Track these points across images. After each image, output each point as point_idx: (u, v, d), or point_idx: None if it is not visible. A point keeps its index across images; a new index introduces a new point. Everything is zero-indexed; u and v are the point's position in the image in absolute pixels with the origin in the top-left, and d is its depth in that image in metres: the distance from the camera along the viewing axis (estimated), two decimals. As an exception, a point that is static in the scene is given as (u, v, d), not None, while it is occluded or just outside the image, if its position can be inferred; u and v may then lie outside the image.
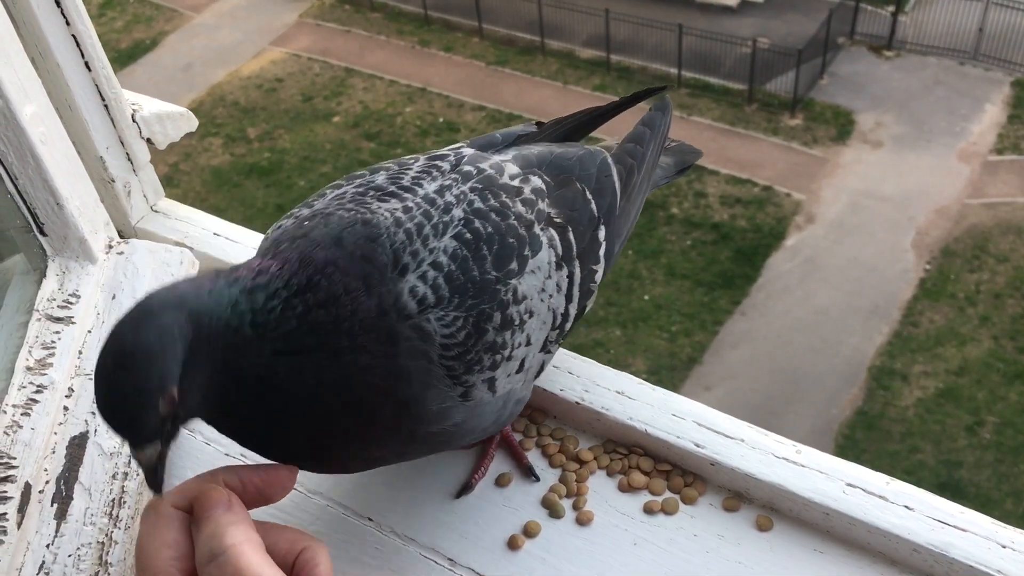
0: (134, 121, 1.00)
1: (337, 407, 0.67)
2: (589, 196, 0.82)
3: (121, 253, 0.99)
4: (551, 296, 0.76)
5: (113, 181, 1.01)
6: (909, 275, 9.27)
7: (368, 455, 0.73)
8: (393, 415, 0.69)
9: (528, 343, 0.75)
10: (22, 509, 0.80)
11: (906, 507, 0.76)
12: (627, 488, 0.82)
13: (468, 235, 0.71)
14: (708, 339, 8.85)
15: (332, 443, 0.70)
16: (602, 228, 0.82)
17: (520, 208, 0.75)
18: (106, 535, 0.82)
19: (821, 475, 0.78)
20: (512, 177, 0.78)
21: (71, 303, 0.93)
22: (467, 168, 0.77)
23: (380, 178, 0.76)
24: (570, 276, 0.78)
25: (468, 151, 0.81)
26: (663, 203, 10.26)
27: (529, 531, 0.80)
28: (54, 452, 0.85)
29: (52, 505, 0.83)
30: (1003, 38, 11.66)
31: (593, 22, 12.34)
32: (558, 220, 0.78)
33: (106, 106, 0.97)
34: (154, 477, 0.64)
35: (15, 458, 0.82)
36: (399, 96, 12.13)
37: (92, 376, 0.64)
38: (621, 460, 0.84)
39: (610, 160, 0.86)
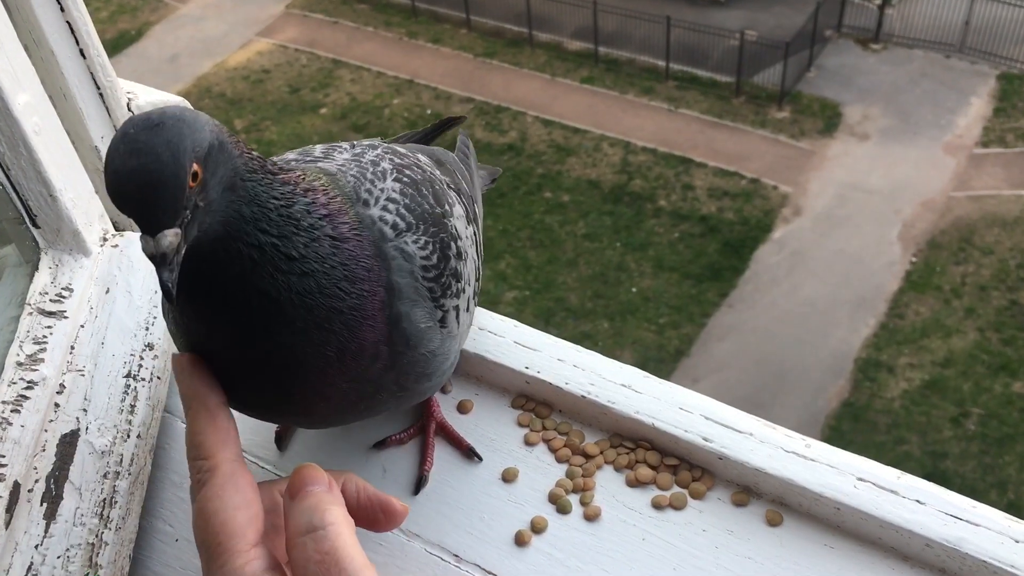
0: (129, 110, 0.98)
1: (332, 299, 0.64)
2: (459, 177, 0.88)
3: (116, 246, 0.97)
4: (471, 245, 0.81)
5: (106, 172, 0.98)
6: (895, 267, 9.31)
7: (348, 385, 0.68)
8: (386, 328, 0.67)
9: (469, 283, 0.78)
10: (10, 509, 0.78)
11: (918, 501, 0.75)
12: (634, 483, 0.81)
13: (405, 179, 0.75)
14: (696, 331, 8.87)
15: (317, 354, 0.65)
16: (475, 204, 0.89)
17: (427, 168, 0.80)
18: (96, 536, 0.80)
19: (831, 469, 0.77)
20: (404, 152, 0.81)
21: (64, 297, 0.91)
22: (366, 142, 0.81)
23: (290, 155, 0.78)
24: (475, 234, 0.84)
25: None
26: (651, 196, 10.27)
27: (536, 527, 0.78)
28: (44, 450, 0.83)
29: (41, 505, 0.80)
30: (989, 31, 11.71)
31: (581, 14, 12.32)
32: (451, 184, 0.83)
33: (101, 95, 0.95)
34: (170, 275, 0.56)
35: (4, 456, 0.80)
36: (387, 88, 12.09)
37: (111, 187, 0.56)
38: (628, 454, 0.82)
39: (455, 156, 0.94)
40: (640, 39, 12.18)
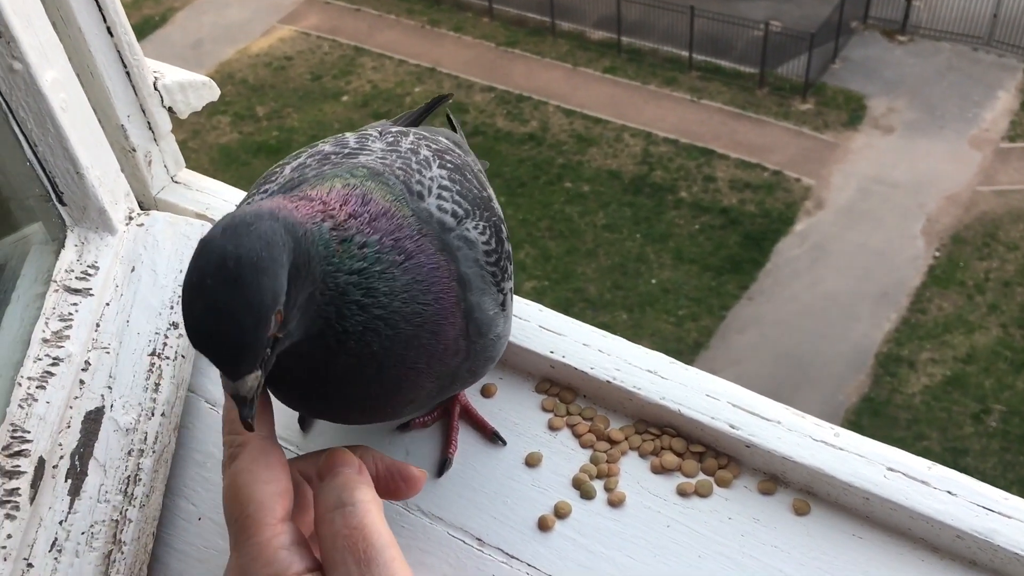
0: (156, 89, 0.98)
1: (415, 318, 0.64)
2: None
3: (141, 225, 0.97)
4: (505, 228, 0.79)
5: (134, 150, 0.98)
6: (918, 262, 9.23)
7: (432, 384, 0.69)
8: (463, 321, 0.67)
9: (511, 269, 0.77)
10: (35, 484, 0.78)
11: (949, 492, 0.74)
12: (660, 469, 0.80)
13: (449, 165, 0.73)
14: (715, 324, 8.83)
15: (409, 369, 0.66)
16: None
17: (460, 153, 0.79)
18: (120, 513, 0.80)
19: (860, 459, 0.76)
20: (434, 136, 0.80)
21: (89, 275, 0.91)
22: (394, 130, 0.79)
23: (326, 147, 0.75)
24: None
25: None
26: (672, 187, 10.22)
27: (560, 512, 0.78)
28: (69, 427, 0.83)
29: (66, 481, 0.81)
30: (1017, 24, 11.56)
31: (604, 3, 12.26)
32: (479, 169, 0.82)
33: (128, 73, 0.95)
34: (250, 411, 0.57)
35: (29, 432, 0.80)
36: (408, 76, 12.08)
37: (182, 299, 0.56)
38: (653, 441, 0.82)
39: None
40: (663, 29, 12.11)
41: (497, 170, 10.28)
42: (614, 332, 0.89)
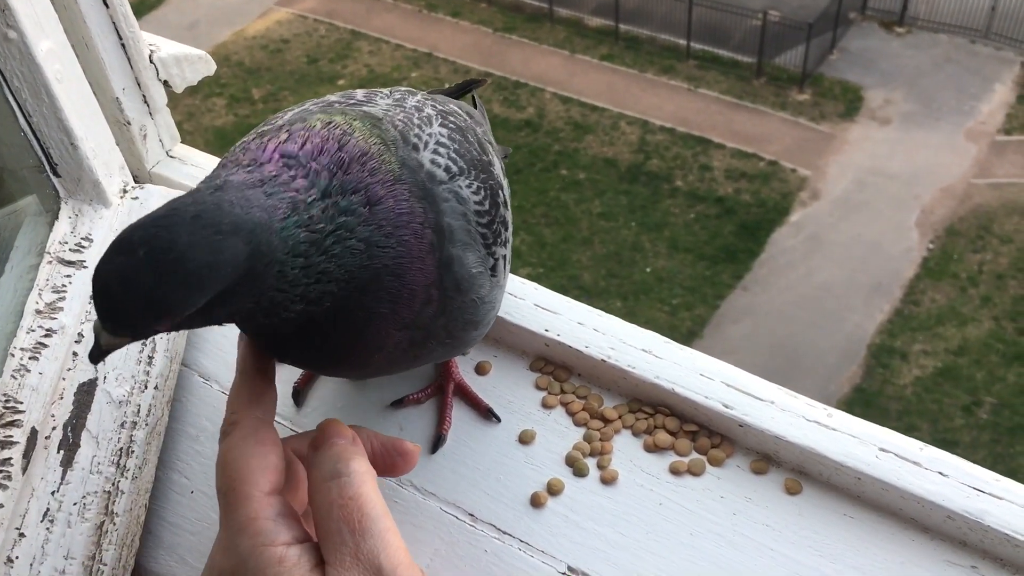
0: (151, 62, 0.97)
1: (385, 261, 0.63)
2: (489, 132, 0.86)
3: (136, 198, 0.96)
4: (507, 197, 0.78)
5: (129, 124, 0.98)
6: (912, 254, 9.25)
7: (401, 333, 0.67)
8: (436, 271, 0.66)
9: (508, 238, 0.76)
10: (27, 455, 0.78)
11: (940, 473, 0.74)
12: (653, 448, 0.80)
13: (451, 125, 0.73)
14: (709, 313, 8.84)
15: (371, 314, 0.64)
16: (502, 160, 0.87)
17: (467, 118, 0.78)
18: (113, 484, 0.80)
19: (853, 439, 0.76)
20: (444, 99, 0.80)
21: (83, 247, 0.91)
22: (404, 89, 0.78)
23: (332, 97, 0.74)
24: (505, 189, 0.80)
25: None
26: (668, 176, 10.22)
27: (552, 489, 0.78)
28: (62, 398, 0.83)
29: (58, 452, 0.81)
30: (1015, 17, 11.56)
31: (602, -10, 12.22)
32: (486, 138, 0.81)
33: (123, 45, 0.94)
34: (101, 355, 0.58)
35: (22, 402, 0.80)
36: (405, 60, 12.04)
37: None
38: (647, 420, 0.82)
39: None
40: (661, 17, 12.08)
41: (493, 156, 10.23)
42: (608, 320, 0.89)
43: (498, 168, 0.78)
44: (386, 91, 0.77)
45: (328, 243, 0.60)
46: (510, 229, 0.77)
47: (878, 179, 10.00)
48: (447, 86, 0.99)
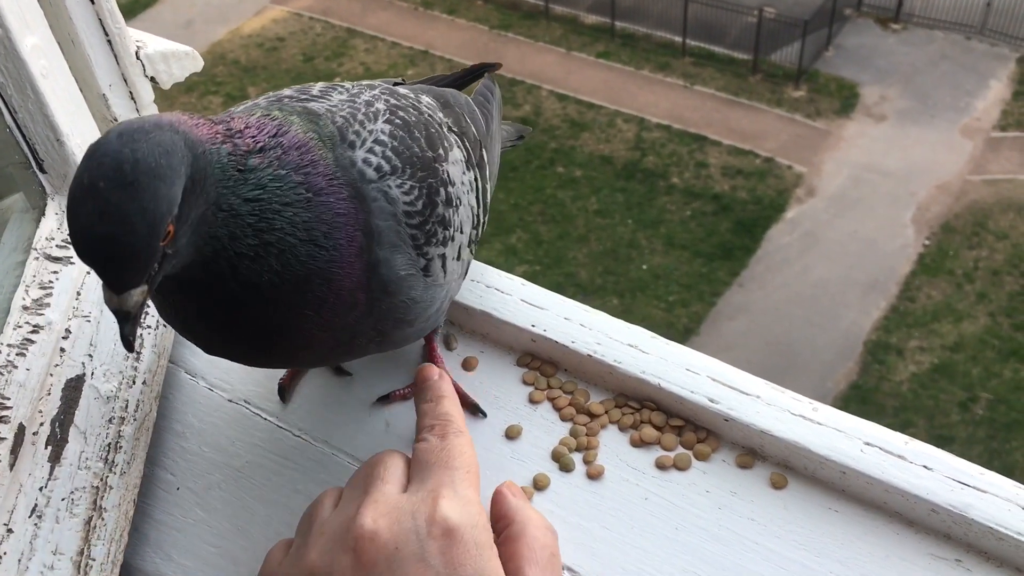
0: (138, 59, 0.97)
1: (309, 260, 0.63)
2: (467, 120, 0.85)
3: (122, 194, 0.96)
4: (468, 192, 0.78)
5: (116, 120, 0.98)
6: (908, 250, 9.27)
7: (326, 335, 0.68)
8: (364, 275, 0.66)
9: (461, 231, 0.77)
10: (15, 450, 0.78)
11: (925, 467, 0.74)
12: (639, 443, 0.80)
13: (398, 121, 0.73)
14: (705, 310, 8.85)
15: (297, 314, 0.65)
16: (483, 150, 0.86)
17: (426, 110, 0.78)
18: (101, 480, 0.80)
19: (838, 433, 0.77)
20: (406, 93, 0.80)
21: (70, 243, 0.91)
22: (365, 83, 0.79)
23: (286, 91, 0.75)
24: (476, 180, 0.81)
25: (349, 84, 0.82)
26: (664, 173, 10.22)
27: (538, 484, 0.78)
28: (49, 394, 0.83)
29: (46, 447, 0.81)
30: (1010, 13, 11.58)
31: (598, -12, 12.22)
32: (454, 128, 0.80)
33: (109, 42, 0.94)
34: (132, 329, 0.56)
35: (9, 399, 0.80)
36: (401, 58, 12.03)
37: (71, 204, 0.54)
38: (633, 414, 0.82)
39: (470, 99, 0.91)
40: (657, 14, 12.08)
41: (489, 154, 10.23)
42: (605, 318, 0.89)
43: (453, 163, 0.76)
44: (348, 84, 0.78)
45: (274, 200, 0.61)
46: (457, 226, 0.76)
47: (874, 176, 10.01)
48: (453, 72, 0.99)
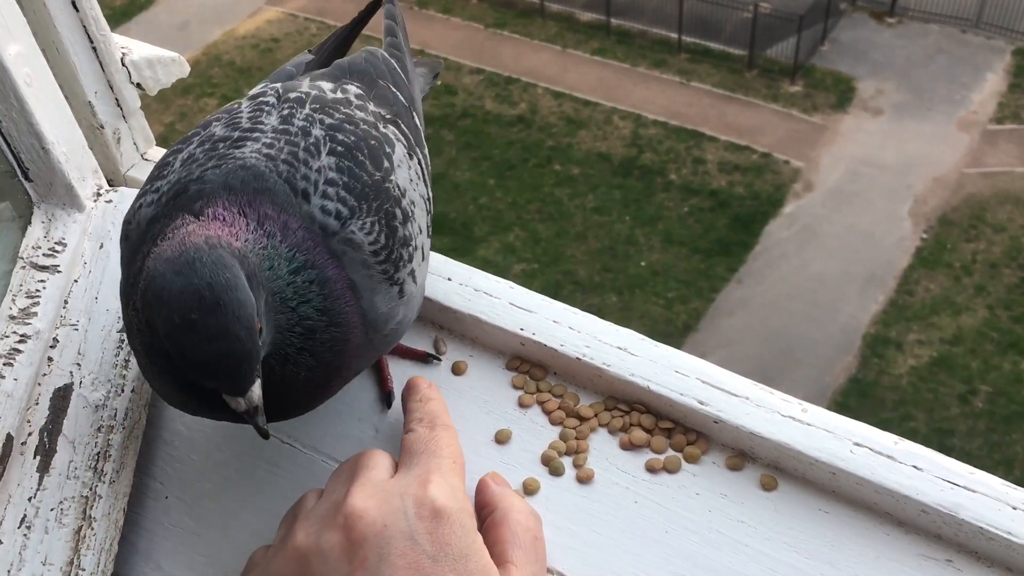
0: (124, 65, 0.97)
1: (335, 345, 0.67)
2: (395, 90, 0.83)
3: (110, 201, 0.96)
4: (416, 184, 0.78)
5: (102, 127, 0.97)
6: (906, 244, 9.27)
7: (338, 383, 0.73)
8: (362, 328, 0.69)
9: (420, 231, 0.77)
10: (3, 461, 0.78)
11: (915, 467, 0.74)
12: (628, 446, 0.80)
13: (340, 148, 0.71)
14: (704, 306, 8.85)
15: (324, 386, 0.70)
16: (415, 115, 0.85)
17: (359, 114, 0.76)
18: (90, 489, 0.80)
19: (828, 434, 0.76)
20: (333, 91, 0.78)
21: (57, 251, 0.91)
22: (293, 95, 0.77)
23: (218, 129, 0.73)
24: (420, 162, 0.81)
25: (276, 85, 0.80)
26: (661, 169, 10.22)
27: (528, 488, 0.78)
28: (37, 403, 0.83)
29: (35, 458, 0.80)
30: (1005, 6, 11.57)
31: (593, -15, 12.21)
32: (388, 116, 0.80)
33: (94, 49, 0.94)
34: (264, 418, 0.62)
35: (-4, 409, 0.80)
36: (396, 58, 12.01)
37: (167, 332, 0.59)
38: (622, 417, 0.81)
39: (387, 54, 0.89)
40: (653, 11, 12.07)
41: (486, 152, 10.26)
42: (604, 314, 0.88)
43: (398, 167, 0.76)
44: (272, 96, 0.77)
45: (297, 280, 0.65)
46: (414, 233, 0.76)
47: (871, 170, 10.01)
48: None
